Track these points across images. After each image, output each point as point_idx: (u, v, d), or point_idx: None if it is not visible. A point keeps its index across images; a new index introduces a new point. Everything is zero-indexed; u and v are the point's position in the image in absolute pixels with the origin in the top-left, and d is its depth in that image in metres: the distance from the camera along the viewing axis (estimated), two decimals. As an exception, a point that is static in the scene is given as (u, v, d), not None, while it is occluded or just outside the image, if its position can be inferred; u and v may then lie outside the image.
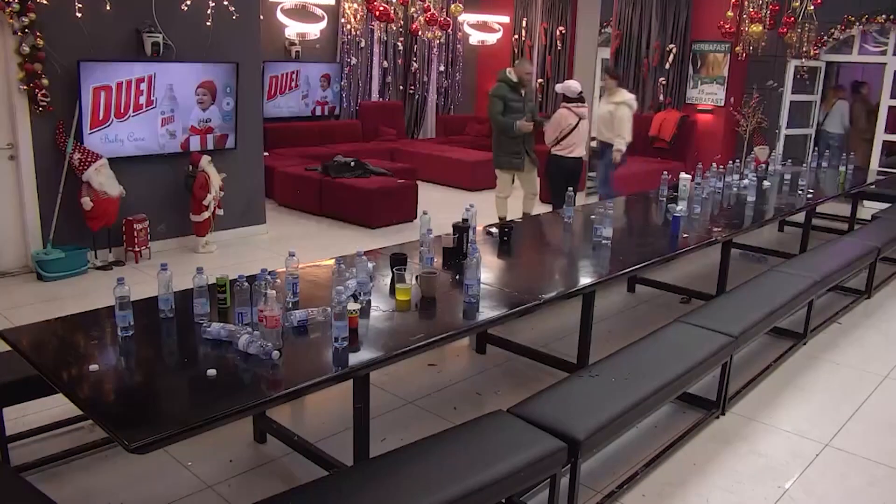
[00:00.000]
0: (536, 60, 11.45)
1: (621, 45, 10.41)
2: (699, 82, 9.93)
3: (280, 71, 9.73)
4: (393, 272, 3.05)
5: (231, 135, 6.58)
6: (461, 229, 3.61)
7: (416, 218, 7.45)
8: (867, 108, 9.82)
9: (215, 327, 2.50)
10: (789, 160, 7.43)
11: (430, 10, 6.62)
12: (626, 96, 7.14)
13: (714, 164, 5.85)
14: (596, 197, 8.25)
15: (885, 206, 7.40)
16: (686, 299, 5.36)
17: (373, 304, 2.94)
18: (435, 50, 11.58)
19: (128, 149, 5.91)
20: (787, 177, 6.22)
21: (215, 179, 6.22)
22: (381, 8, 6.12)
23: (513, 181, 6.79)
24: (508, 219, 6.07)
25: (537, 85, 11.51)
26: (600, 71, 10.49)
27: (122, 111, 5.80)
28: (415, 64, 11.36)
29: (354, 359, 2.43)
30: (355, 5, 6.32)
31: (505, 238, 4.05)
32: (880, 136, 9.18)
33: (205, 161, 6.17)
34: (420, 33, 6.95)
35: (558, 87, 6.86)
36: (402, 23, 8.02)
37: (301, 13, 8.83)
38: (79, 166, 5.51)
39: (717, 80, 9.76)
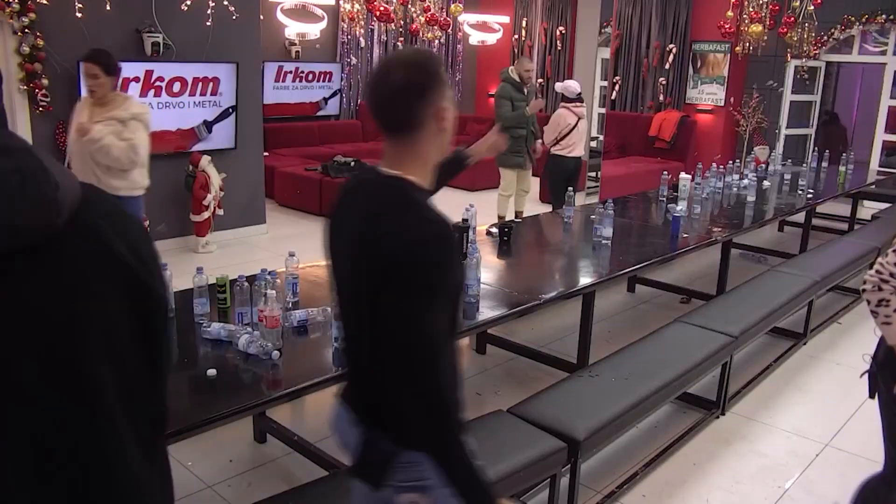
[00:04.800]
0: (536, 60, 11.44)
1: (621, 45, 10.40)
2: (699, 82, 9.93)
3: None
4: (393, 272, 3.04)
5: (231, 135, 6.58)
6: (461, 229, 3.61)
7: (416, 218, 7.43)
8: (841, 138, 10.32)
9: (215, 327, 2.50)
10: (789, 160, 7.43)
11: (430, 10, 6.63)
12: (138, 107, 4.21)
13: (714, 164, 5.84)
14: (596, 196, 8.24)
15: (885, 206, 7.40)
16: (686, 299, 5.36)
17: (373, 304, 2.93)
18: (435, 50, 11.57)
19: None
20: (787, 177, 6.22)
21: (215, 179, 6.22)
22: (381, 8, 6.12)
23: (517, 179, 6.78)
24: (507, 218, 6.07)
25: (537, 84, 11.50)
26: (600, 71, 10.50)
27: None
28: (415, 64, 11.34)
29: (354, 359, 2.42)
30: (357, 6, 6.31)
31: (505, 238, 4.05)
32: (880, 136, 9.19)
33: (205, 161, 6.17)
34: (420, 33, 6.95)
35: (558, 87, 6.85)
36: (402, 23, 8.03)
37: (301, 13, 8.82)
38: (79, 166, 5.50)
39: (717, 80, 9.76)
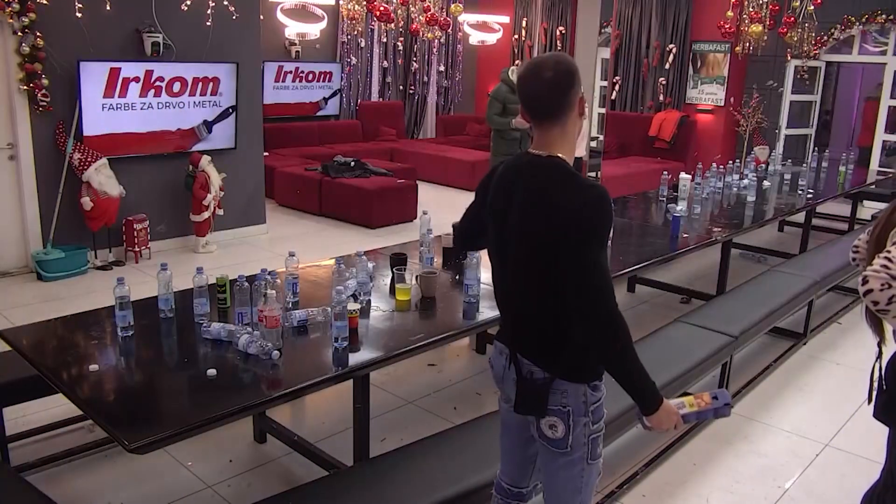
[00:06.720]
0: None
1: (621, 45, 10.41)
2: (699, 82, 9.93)
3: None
4: (393, 272, 3.05)
5: (231, 135, 6.58)
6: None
7: (416, 218, 7.44)
8: None
9: (215, 327, 2.50)
10: (789, 160, 7.43)
11: (430, 10, 6.63)
12: None
13: (714, 164, 5.84)
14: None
15: (885, 206, 7.38)
16: (686, 299, 5.36)
17: (373, 304, 2.94)
18: (435, 50, 11.58)
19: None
20: (787, 177, 6.22)
21: (215, 179, 6.22)
22: (381, 8, 6.13)
23: None
24: None
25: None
26: (601, 71, 10.50)
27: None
28: (415, 64, 11.36)
29: (354, 359, 2.43)
30: (357, 6, 6.31)
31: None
32: (880, 136, 9.19)
33: (205, 161, 6.17)
34: (420, 33, 6.95)
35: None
36: (402, 23, 8.03)
37: (301, 13, 8.83)
38: (79, 166, 5.51)
39: (717, 80, 9.76)
